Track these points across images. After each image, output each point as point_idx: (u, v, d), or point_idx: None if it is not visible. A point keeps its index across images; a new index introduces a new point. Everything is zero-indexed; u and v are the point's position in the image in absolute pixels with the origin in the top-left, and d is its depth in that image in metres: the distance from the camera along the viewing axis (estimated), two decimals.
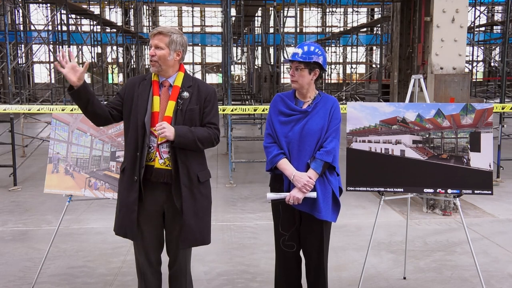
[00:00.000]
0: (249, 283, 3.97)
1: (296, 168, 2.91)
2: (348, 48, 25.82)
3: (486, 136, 3.37)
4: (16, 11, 15.50)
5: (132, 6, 23.24)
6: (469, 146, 3.37)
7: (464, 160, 3.37)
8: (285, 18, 11.75)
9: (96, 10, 20.55)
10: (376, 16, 28.16)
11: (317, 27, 26.76)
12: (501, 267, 4.30)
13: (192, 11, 27.16)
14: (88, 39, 18.49)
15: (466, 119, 3.39)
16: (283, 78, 25.60)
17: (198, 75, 30.46)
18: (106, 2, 22.14)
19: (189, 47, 29.17)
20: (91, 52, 19.47)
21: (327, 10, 23.69)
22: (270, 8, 18.23)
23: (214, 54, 30.90)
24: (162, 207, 2.83)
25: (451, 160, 3.38)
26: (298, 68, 2.94)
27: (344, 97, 23.45)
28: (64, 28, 14.36)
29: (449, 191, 3.40)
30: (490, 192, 3.36)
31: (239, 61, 24.78)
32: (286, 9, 11.94)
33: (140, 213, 2.81)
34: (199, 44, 30.36)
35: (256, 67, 22.88)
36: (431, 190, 3.42)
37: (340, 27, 25.39)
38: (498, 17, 28.08)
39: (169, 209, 2.83)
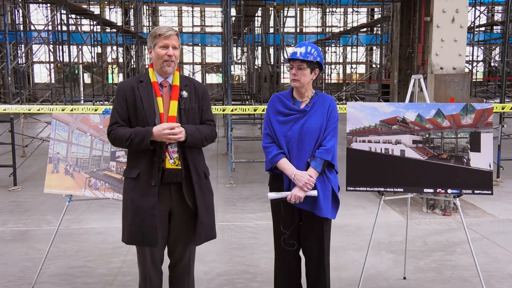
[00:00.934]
0: (249, 283, 3.97)
1: (296, 167, 2.93)
2: (348, 48, 25.82)
3: (486, 136, 3.37)
4: (16, 11, 15.51)
5: (132, 6, 23.24)
6: (469, 146, 3.37)
7: (464, 160, 3.37)
8: (285, 18, 11.75)
9: (96, 10, 20.56)
10: (376, 16, 28.16)
11: (317, 27, 26.76)
12: (501, 267, 4.30)
13: (192, 11, 27.20)
14: (88, 39, 18.49)
15: (466, 119, 3.39)
16: (283, 78, 25.61)
17: (198, 75, 30.46)
18: (106, 2, 22.15)
19: (189, 47, 29.27)
20: (91, 52, 19.48)
21: (327, 10, 23.69)
22: (270, 8, 18.24)
23: (214, 54, 30.91)
24: (170, 207, 2.83)
25: (451, 160, 3.38)
26: (301, 67, 2.96)
27: (344, 97, 23.46)
28: (64, 28, 14.37)
29: (449, 191, 3.39)
30: (490, 192, 3.36)
31: (239, 61, 24.80)
32: (286, 9, 11.93)
33: None
34: (199, 44, 30.36)
35: (256, 67, 22.89)
36: (431, 190, 3.42)
37: (340, 27, 25.39)
38: (498, 17, 28.08)
39: (178, 209, 2.83)
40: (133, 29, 22.59)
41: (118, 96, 2.84)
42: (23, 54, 16.83)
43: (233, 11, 14.93)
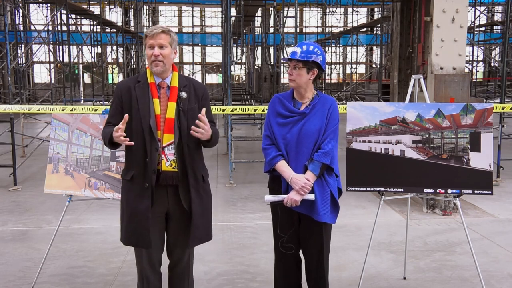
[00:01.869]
0: (249, 283, 3.97)
1: (294, 170, 2.90)
2: (348, 48, 25.82)
3: (486, 136, 3.37)
4: (16, 11, 15.51)
5: (132, 6, 23.22)
6: (469, 146, 3.37)
7: (464, 160, 3.37)
8: (285, 18, 11.75)
9: (96, 10, 20.56)
10: (376, 16, 28.16)
11: (317, 27, 26.77)
12: (501, 267, 4.30)
13: (192, 11, 27.18)
14: (88, 39, 18.49)
15: (466, 119, 3.39)
16: (283, 78, 25.60)
17: (198, 75, 30.45)
18: (106, 2, 22.14)
19: (189, 47, 29.23)
20: (91, 52, 19.48)
21: (327, 10, 23.70)
22: (270, 8, 18.23)
23: (214, 54, 30.90)
24: (167, 209, 2.82)
25: (451, 160, 3.38)
26: (296, 67, 2.93)
27: (344, 97, 23.46)
28: (64, 28, 14.37)
29: (449, 191, 3.39)
30: (490, 192, 3.36)
31: (239, 61, 24.79)
32: (286, 9, 11.93)
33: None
34: (199, 44, 30.35)
35: (256, 67, 22.88)
36: (431, 190, 3.42)
37: (340, 27, 25.39)
38: (498, 17, 28.08)
39: (175, 211, 2.82)
40: (133, 29, 22.59)
41: (115, 96, 2.84)
42: (23, 54, 16.83)
43: (233, 11, 14.93)
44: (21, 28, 17.38)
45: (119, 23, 21.51)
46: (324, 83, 23.56)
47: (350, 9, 25.51)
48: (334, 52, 25.29)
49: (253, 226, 5.46)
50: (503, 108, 6.70)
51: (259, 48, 22.33)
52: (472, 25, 15.38)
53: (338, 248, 4.66)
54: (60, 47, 15.87)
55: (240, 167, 8.82)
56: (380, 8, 22.22)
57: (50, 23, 17.19)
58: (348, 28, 24.28)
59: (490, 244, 4.89)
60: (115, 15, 22.89)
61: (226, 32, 9.86)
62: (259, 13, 18.33)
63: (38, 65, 26.61)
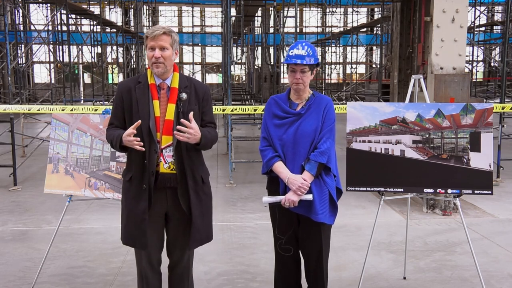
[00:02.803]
0: (249, 283, 3.97)
1: (292, 170, 2.90)
2: (348, 48, 25.82)
3: (486, 136, 3.37)
4: (16, 11, 15.51)
5: (132, 6, 23.23)
6: (469, 146, 3.37)
7: (464, 160, 3.37)
8: (285, 18, 11.74)
9: (96, 10, 20.56)
10: (376, 16, 28.17)
11: (317, 27, 26.75)
12: (501, 267, 4.30)
13: (192, 11, 27.18)
14: (88, 39, 18.48)
15: (466, 119, 3.39)
16: (283, 78, 25.59)
17: (198, 75, 30.45)
18: (106, 2, 22.14)
19: (189, 47, 29.23)
20: (91, 52, 19.47)
21: (327, 10, 23.68)
22: (270, 8, 18.23)
23: (214, 54, 30.91)
24: (166, 210, 2.82)
25: (451, 160, 3.38)
26: (304, 70, 2.92)
27: (344, 97, 23.46)
28: (64, 28, 14.36)
29: (449, 191, 3.39)
30: (490, 192, 3.36)
31: (239, 61, 24.79)
32: (286, 9, 11.93)
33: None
34: (199, 44, 30.36)
35: (256, 67, 22.89)
36: (431, 190, 3.42)
37: (340, 27, 25.39)
38: (498, 17, 28.08)
39: (174, 213, 2.81)
40: (133, 29, 22.59)
41: (116, 97, 2.84)
42: (23, 54, 16.83)
43: (233, 11, 14.93)
44: (21, 28, 17.38)
45: (119, 23, 21.51)
46: (324, 83, 23.56)
47: (350, 9, 25.51)
48: (334, 52, 25.28)
49: (253, 226, 5.46)
50: (503, 108, 6.70)
51: (259, 48, 22.34)
52: (472, 25, 15.37)
53: (338, 248, 4.66)
54: (60, 47, 15.88)
55: (240, 167, 8.82)
56: (380, 8, 22.22)
57: (50, 23, 17.19)
58: (348, 28, 24.27)
59: (490, 244, 4.89)
60: (115, 15, 22.89)
61: (226, 32, 9.86)
62: (259, 13, 18.34)
63: (38, 65, 26.62)
